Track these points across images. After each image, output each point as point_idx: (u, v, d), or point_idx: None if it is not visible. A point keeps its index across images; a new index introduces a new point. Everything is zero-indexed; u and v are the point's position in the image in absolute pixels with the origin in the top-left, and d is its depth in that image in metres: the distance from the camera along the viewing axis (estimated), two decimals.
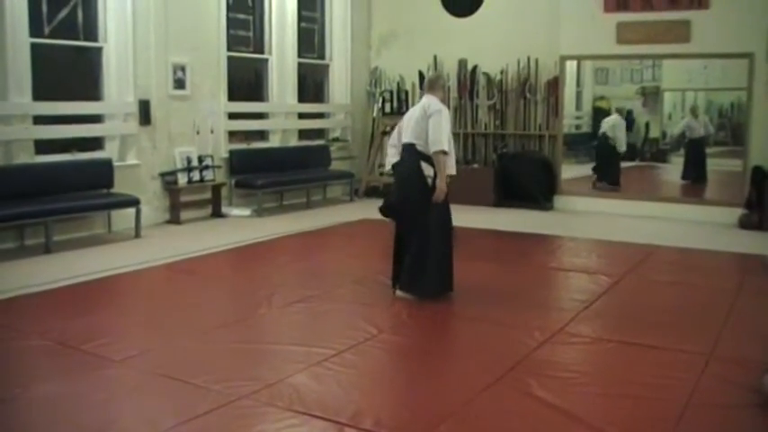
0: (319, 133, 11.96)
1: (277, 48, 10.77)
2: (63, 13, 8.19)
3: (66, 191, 7.81)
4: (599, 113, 13.07)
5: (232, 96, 10.03)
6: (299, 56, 11.21)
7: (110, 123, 8.62)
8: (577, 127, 13.27)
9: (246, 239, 8.14)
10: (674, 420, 3.60)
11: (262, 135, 10.89)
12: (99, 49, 8.52)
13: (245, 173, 9.99)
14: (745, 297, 5.93)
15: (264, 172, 10.06)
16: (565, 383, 4.09)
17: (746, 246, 8.00)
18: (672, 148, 12.80)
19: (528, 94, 10.98)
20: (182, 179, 9.10)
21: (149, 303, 5.87)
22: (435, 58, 11.50)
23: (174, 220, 9.01)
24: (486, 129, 11.36)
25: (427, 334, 5.14)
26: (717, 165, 12.26)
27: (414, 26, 11.78)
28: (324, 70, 12.04)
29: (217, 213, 9.59)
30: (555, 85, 10.77)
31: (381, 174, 11.20)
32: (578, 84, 12.59)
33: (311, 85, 11.91)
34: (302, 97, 11.36)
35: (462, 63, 11.39)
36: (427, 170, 5.70)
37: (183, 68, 9.15)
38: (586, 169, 12.59)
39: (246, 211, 9.76)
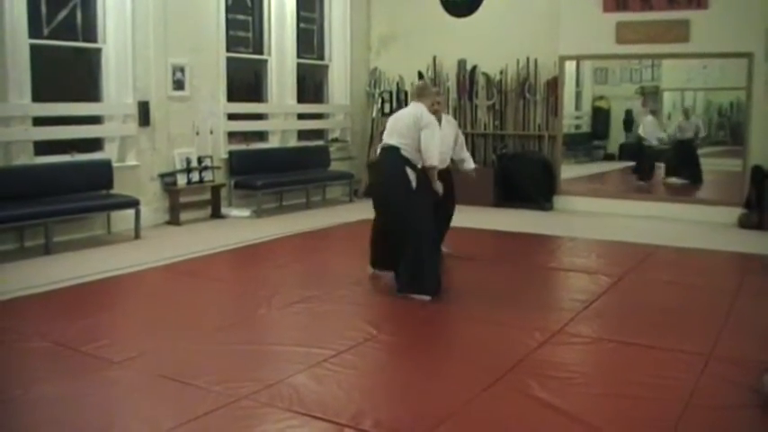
0: (319, 134, 11.95)
1: (276, 48, 10.77)
2: (62, 15, 8.19)
3: (66, 192, 7.81)
4: (598, 113, 13.08)
5: (231, 97, 10.02)
6: (299, 57, 11.21)
7: (109, 124, 8.62)
8: (577, 127, 13.28)
9: (246, 240, 8.14)
10: (674, 420, 3.60)
11: (261, 136, 10.89)
12: (98, 50, 8.52)
13: (244, 174, 9.99)
14: (745, 297, 5.93)
15: (264, 173, 10.06)
16: (564, 384, 4.09)
17: (746, 245, 8.00)
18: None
19: (527, 95, 10.98)
20: (181, 180, 9.10)
21: (149, 304, 5.87)
22: (434, 58, 11.50)
23: (174, 221, 9.01)
24: (485, 129, 11.36)
25: (427, 334, 5.14)
26: (716, 164, 12.26)
27: (413, 27, 11.78)
28: (323, 71, 12.04)
29: (216, 214, 9.59)
30: (554, 85, 10.77)
31: None
32: (578, 84, 12.59)
33: (310, 85, 11.92)
34: (301, 98, 11.36)
35: (461, 63, 11.40)
36: (411, 175, 5.90)
37: (182, 69, 9.15)
38: (586, 169, 12.61)
39: (246, 212, 9.76)
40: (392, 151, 5.93)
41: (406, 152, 5.88)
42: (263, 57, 10.75)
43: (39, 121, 7.81)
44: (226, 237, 8.25)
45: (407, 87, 11.67)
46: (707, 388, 4.02)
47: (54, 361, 4.43)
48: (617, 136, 13.44)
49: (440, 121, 6.39)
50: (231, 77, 10.05)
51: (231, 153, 9.99)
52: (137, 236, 8.11)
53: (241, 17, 10.45)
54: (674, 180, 12.04)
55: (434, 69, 11.53)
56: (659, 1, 9.79)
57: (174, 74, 9.07)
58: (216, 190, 9.60)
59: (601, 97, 13.12)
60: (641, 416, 3.69)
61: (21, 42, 7.50)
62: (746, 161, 9.60)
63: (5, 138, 7.48)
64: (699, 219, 9.58)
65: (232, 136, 10.22)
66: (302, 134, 11.51)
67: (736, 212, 9.39)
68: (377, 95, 12.01)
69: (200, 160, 9.35)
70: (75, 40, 8.38)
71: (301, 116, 11.43)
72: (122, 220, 8.28)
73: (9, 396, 3.87)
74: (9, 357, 4.52)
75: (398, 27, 11.99)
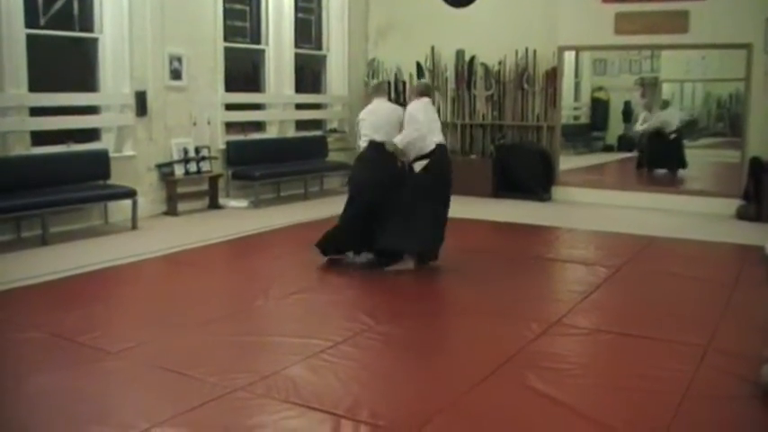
0: (316, 124, 11.93)
1: (274, 38, 10.73)
2: (59, 4, 8.15)
3: (63, 182, 7.79)
4: (597, 104, 13.06)
5: (229, 87, 9.99)
6: (297, 47, 11.16)
7: (106, 114, 8.59)
8: (575, 118, 13.28)
9: (243, 231, 8.13)
10: (672, 411, 3.59)
11: (259, 126, 10.87)
12: (95, 40, 8.48)
13: (242, 164, 9.96)
14: (743, 288, 5.92)
15: (262, 163, 10.04)
16: (562, 375, 4.09)
17: (744, 237, 7.99)
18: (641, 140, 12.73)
19: (526, 85, 10.95)
20: (178, 170, 9.08)
21: (146, 295, 5.86)
22: (433, 48, 11.46)
23: (171, 211, 8.99)
24: (483, 120, 11.33)
25: (424, 325, 5.13)
26: (715, 156, 12.27)
27: (411, 17, 11.74)
28: (321, 61, 12.01)
29: (214, 205, 9.57)
30: (553, 75, 10.74)
31: None
32: (576, 74, 12.59)
33: (308, 75, 11.88)
34: (299, 88, 11.33)
35: (460, 54, 11.36)
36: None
37: (179, 59, 9.12)
38: (585, 160, 12.60)
39: (244, 203, 9.74)
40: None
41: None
42: (261, 47, 10.71)
43: (35, 111, 7.78)
44: (223, 227, 8.24)
45: (405, 78, 11.65)
46: (705, 379, 4.02)
47: (50, 352, 4.42)
48: (616, 127, 13.44)
49: None
50: (229, 67, 10.01)
51: (229, 143, 9.96)
52: (134, 226, 8.09)
53: (239, 7, 10.41)
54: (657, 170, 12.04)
55: (433, 60, 11.49)
56: None
57: (171, 64, 9.04)
58: (213, 180, 9.58)
59: (600, 88, 13.11)
60: (639, 407, 3.68)
61: (17, 32, 7.46)
62: (745, 152, 9.58)
63: (2, 128, 7.45)
64: (697, 210, 9.57)
65: (230, 126, 10.20)
66: (300, 124, 11.48)
67: (734, 204, 9.38)
68: None
69: (197, 150, 9.32)
70: (72, 29, 8.34)
71: (299, 106, 11.40)
72: (119, 210, 8.27)
73: (4, 387, 3.87)
74: (5, 348, 4.50)
75: (397, 17, 11.94)
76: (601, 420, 3.51)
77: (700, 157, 12.09)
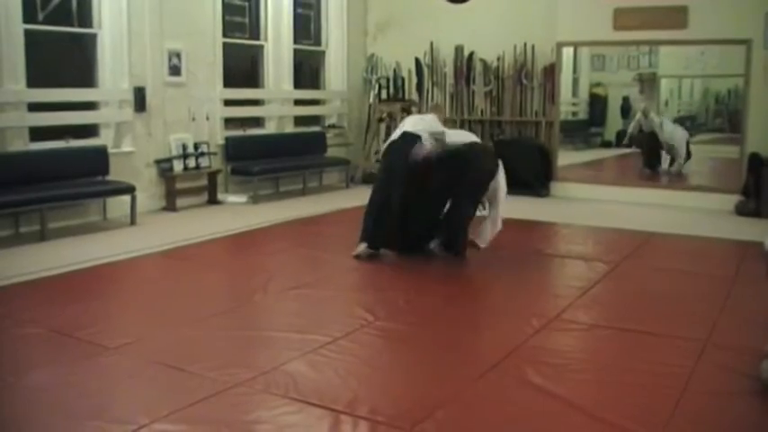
0: (315, 120, 11.92)
1: (273, 34, 10.72)
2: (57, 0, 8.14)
3: (61, 178, 7.77)
4: (596, 100, 13.05)
5: (228, 83, 9.97)
6: (295, 42, 11.14)
7: (105, 110, 8.57)
8: (574, 113, 13.26)
9: (242, 226, 8.12)
10: (671, 407, 3.59)
11: (257, 122, 10.86)
12: (93, 36, 8.47)
13: (240, 160, 9.95)
14: (742, 284, 5.92)
15: (260, 159, 10.04)
16: (561, 370, 4.09)
17: (743, 233, 7.98)
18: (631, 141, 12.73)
19: (524, 81, 10.95)
20: (177, 166, 9.08)
21: (144, 291, 5.85)
22: (432, 44, 11.46)
23: (170, 207, 8.98)
24: (482, 115, 11.33)
25: (423, 320, 5.13)
26: (713, 151, 12.26)
27: (410, 13, 11.72)
28: (320, 57, 11.99)
29: (213, 200, 9.57)
30: (551, 71, 10.74)
31: (377, 160, 11.16)
32: (575, 70, 12.57)
33: (307, 71, 11.87)
34: (298, 84, 11.32)
35: (459, 49, 11.35)
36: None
37: (178, 55, 9.10)
38: (583, 156, 12.59)
39: (242, 198, 9.74)
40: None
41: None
42: (260, 42, 10.70)
43: (34, 107, 7.76)
44: (222, 223, 8.23)
45: (404, 74, 11.65)
46: (704, 374, 4.01)
47: (48, 347, 4.42)
48: (614, 123, 13.42)
49: None
50: (227, 63, 9.99)
51: (227, 139, 9.95)
52: (132, 222, 8.09)
53: (237, 2, 10.39)
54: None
55: (432, 55, 11.49)
56: None
57: (170, 59, 9.02)
58: (212, 176, 9.57)
59: (598, 84, 13.10)
60: (638, 402, 3.68)
61: (15, 27, 7.44)
62: (744, 148, 9.58)
63: (0, 124, 7.43)
64: (696, 206, 9.57)
65: (229, 122, 10.19)
66: (299, 120, 11.46)
67: (733, 200, 9.38)
68: (374, 81, 11.96)
69: (196, 146, 9.31)
70: (71, 25, 8.32)
71: (298, 102, 11.38)
72: (118, 206, 8.25)
73: (3, 382, 3.85)
74: (3, 343, 4.49)
75: (396, 13, 11.93)
76: (600, 415, 3.50)
77: (698, 153, 12.06)
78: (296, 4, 11.16)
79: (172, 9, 8.96)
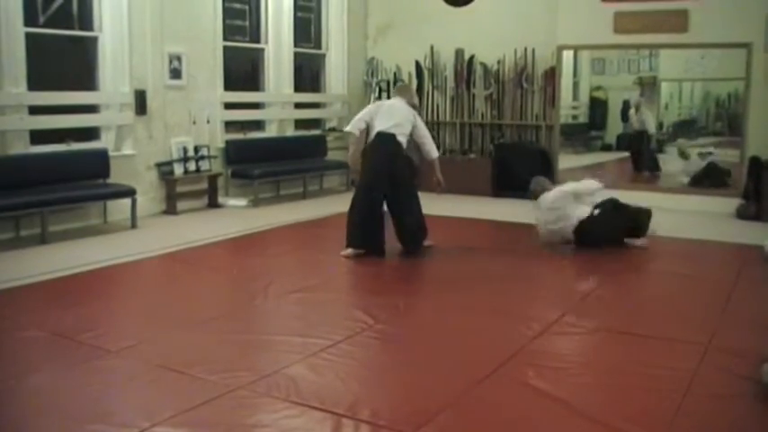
0: (316, 123, 11.92)
1: (273, 37, 10.73)
2: (58, 3, 8.13)
3: (62, 181, 7.77)
4: (596, 104, 13.04)
5: (228, 86, 9.98)
6: (296, 46, 11.15)
7: (105, 113, 8.58)
8: (574, 117, 13.24)
9: (243, 230, 8.12)
10: (673, 410, 3.59)
11: (258, 125, 10.86)
12: (94, 39, 8.47)
13: (241, 163, 9.96)
14: (743, 287, 5.92)
15: (261, 162, 10.04)
16: (563, 374, 4.08)
17: (744, 236, 7.98)
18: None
19: (525, 84, 10.95)
20: (178, 169, 9.08)
21: (145, 294, 5.86)
22: (432, 47, 11.46)
23: (171, 210, 8.98)
24: (482, 119, 11.33)
25: (424, 324, 5.13)
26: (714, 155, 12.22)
27: (410, 16, 11.73)
28: (320, 60, 12.00)
29: (213, 204, 9.57)
30: (552, 75, 10.75)
31: None
32: (575, 74, 12.55)
33: (307, 74, 11.87)
34: (298, 87, 11.32)
35: (459, 53, 11.36)
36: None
37: (179, 58, 9.11)
38: (583, 160, 12.57)
39: (243, 202, 9.73)
40: (389, 138, 6.82)
41: (401, 139, 6.86)
42: (260, 46, 10.70)
43: (35, 110, 7.76)
44: (222, 226, 8.23)
45: (405, 77, 11.65)
46: (706, 377, 4.01)
47: (50, 350, 4.42)
48: (615, 126, 13.40)
49: None
50: (228, 66, 10.00)
51: (228, 142, 9.96)
52: (133, 225, 8.09)
53: (238, 6, 10.40)
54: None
55: (432, 59, 11.49)
56: None
57: (170, 63, 9.03)
58: (213, 179, 9.57)
59: (598, 87, 13.07)
60: (639, 405, 3.68)
61: (16, 31, 7.45)
62: (744, 152, 9.58)
63: (1, 126, 7.44)
64: (697, 209, 9.57)
65: (229, 125, 10.19)
66: (299, 123, 11.47)
67: (733, 203, 9.38)
68: (374, 85, 11.96)
69: (196, 149, 9.32)
70: (72, 28, 8.33)
71: (298, 105, 11.39)
72: (119, 209, 8.25)
73: (4, 385, 3.85)
74: (4, 346, 4.49)
75: (396, 16, 11.94)
76: (601, 419, 3.50)
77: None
78: (296, 7, 11.17)
79: (172, 12, 8.96)
